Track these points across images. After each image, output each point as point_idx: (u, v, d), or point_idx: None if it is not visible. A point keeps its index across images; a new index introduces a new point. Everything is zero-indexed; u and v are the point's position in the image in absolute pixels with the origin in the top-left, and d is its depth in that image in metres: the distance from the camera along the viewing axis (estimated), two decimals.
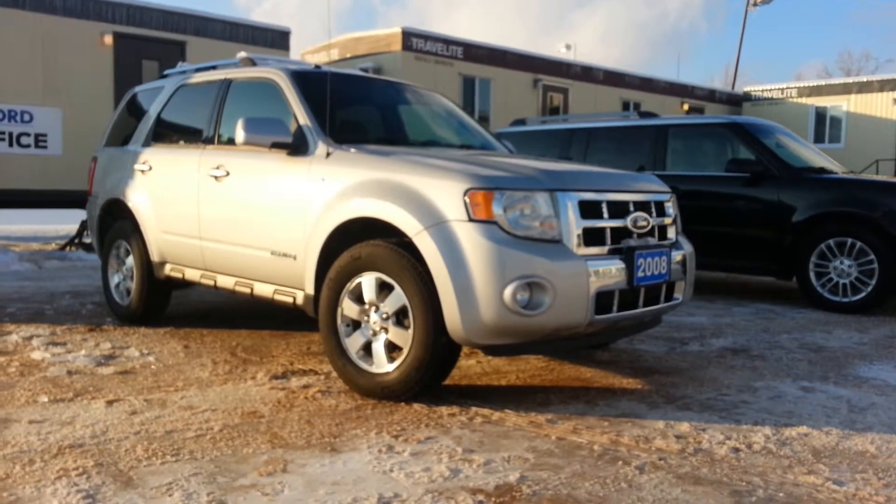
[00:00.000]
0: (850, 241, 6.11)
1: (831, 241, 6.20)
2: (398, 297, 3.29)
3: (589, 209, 3.35)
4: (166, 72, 5.66)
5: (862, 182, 6.50)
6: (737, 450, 2.87)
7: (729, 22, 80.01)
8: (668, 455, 2.80)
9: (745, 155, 6.86)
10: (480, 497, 2.38)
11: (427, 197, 3.25)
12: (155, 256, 4.88)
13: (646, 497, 2.41)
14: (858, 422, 3.26)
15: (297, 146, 3.91)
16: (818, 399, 3.62)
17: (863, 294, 6.06)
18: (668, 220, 3.80)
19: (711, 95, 21.94)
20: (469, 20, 70.75)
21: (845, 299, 6.15)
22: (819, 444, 2.96)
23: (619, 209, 3.49)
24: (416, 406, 3.31)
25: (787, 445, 2.94)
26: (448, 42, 15.42)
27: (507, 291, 3.03)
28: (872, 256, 6.00)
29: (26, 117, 9.97)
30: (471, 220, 3.12)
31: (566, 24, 76.84)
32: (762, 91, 22.35)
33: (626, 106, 18.52)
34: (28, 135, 10.00)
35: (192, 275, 4.64)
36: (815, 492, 2.49)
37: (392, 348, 3.36)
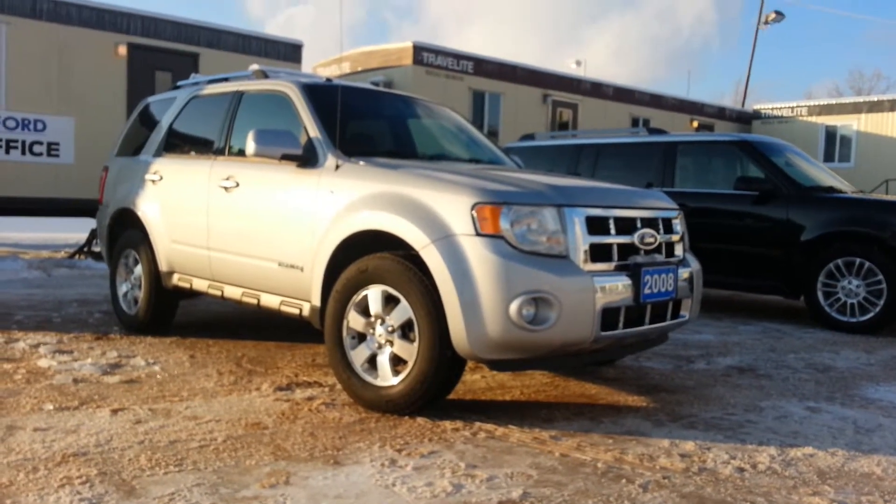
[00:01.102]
0: (858, 260, 6.08)
1: (840, 261, 6.17)
2: (404, 311, 3.29)
3: (596, 225, 3.35)
4: (179, 83, 5.71)
5: (871, 202, 6.48)
6: (741, 469, 2.85)
7: (741, 40, 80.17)
8: (673, 474, 2.78)
9: (755, 173, 6.85)
10: None
11: (435, 210, 3.26)
12: (163, 266, 4.91)
13: None
14: (864, 443, 3.24)
15: (307, 158, 3.93)
16: (824, 420, 3.59)
17: (871, 314, 6.03)
18: (675, 238, 3.80)
19: (721, 113, 21.93)
20: (481, 35, 71.12)
21: (853, 319, 6.11)
22: (824, 465, 2.94)
23: (626, 225, 3.49)
24: (420, 420, 3.30)
25: (792, 466, 2.91)
26: (459, 57, 15.50)
27: (513, 306, 3.03)
28: (881, 276, 5.97)
29: (39, 126, 10.07)
30: (478, 234, 3.12)
31: (578, 39, 77.20)
32: (772, 109, 22.33)
33: (635, 122, 18.54)
34: (41, 143, 10.09)
35: (199, 285, 4.66)
36: None
37: (397, 361, 3.37)
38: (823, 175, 7.30)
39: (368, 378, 3.44)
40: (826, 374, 4.58)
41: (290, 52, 12.48)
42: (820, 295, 6.27)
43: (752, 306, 7.77)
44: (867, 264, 6.04)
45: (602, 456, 2.95)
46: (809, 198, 6.51)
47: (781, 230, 6.48)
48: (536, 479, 2.67)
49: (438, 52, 15.16)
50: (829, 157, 20.48)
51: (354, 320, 3.47)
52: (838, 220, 6.25)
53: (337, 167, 3.79)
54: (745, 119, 22.40)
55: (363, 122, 4.73)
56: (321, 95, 4.24)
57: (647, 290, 3.41)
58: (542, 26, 78.68)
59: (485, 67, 15.91)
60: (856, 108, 20.83)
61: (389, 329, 3.36)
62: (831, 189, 6.80)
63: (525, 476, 2.70)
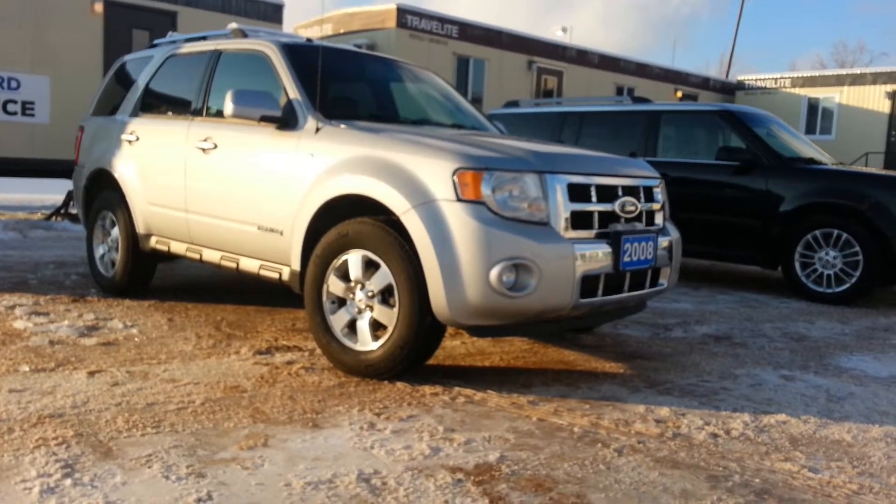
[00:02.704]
0: (836, 232, 6.14)
1: (817, 232, 6.23)
2: (384, 276, 3.28)
3: (577, 192, 3.34)
4: (156, 41, 5.59)
5: (849, 174, 6.52)
6: (715, 435, 2.90)
7: (729, 9, 79.87)
8: (647, 439, 2.82)
9: (736, 143, 6.86)
10: (460, 475, 2.39)
11: (416, 175, 3.23)
12: (140, 228, 4.85)
13: (623, 479, 2.43)
14: (836, 411, 3.30)
15: (287, 120, 3.87)
16: (798, 388, 3.65)
17: (846, 285, 6.11)
18: (656, 206, 3.80)
19: (705, 83, 21.93)
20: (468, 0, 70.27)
21: (829, 290, 6.19)
22: (796, 432, 2.99)
23: (607, 193, 3.49)
24: (400, 385, 3.31)
25: (764, 432, 2.97)
26: (443, 21, 15.30)
27: (494, 272, 3.02)
28: (857, 248, 6.03)
29: (14, 84, 9.83)
30: (459, 199, 3.11)
31: (567, 4, 76.46)
32: (756, 80, 22.36)
33: (619, 91, 18.49)
34: (15, 102, 9.86)
35: (177, 248, 4.62)
36: (790, 478, 2.52)
37: (377, 326, 3.36)
38: (804, 146, 7.33)
39: (348, 343, 3.44)
40: (801, 344, 4.65)
41: (270, 11, 12.24)
42: (797, 266, 6.34)
43: (731, 276, 7.85)
44: (844, 236, 6.10)
45: (578, 421, 2.98)
46: (789, 169, 6.54)
47: (761, 201, 6.52)
48: (513, 443, 2.70)
49: (423, 15, 14.96)
50: (810, 129, 20.61)
51: (334, 285, 3.46)
52: (817, 192, 6.29)
53: (317, 130, 3.74)
54: (729, 89, 22.44)
55: (344, 84, 4.66)
56: (301, 56, 4.16)
57: (626, 258, 3.42)
58: None
59: (470, 32, 15.74)
60: (838, 81, 20.91)
61: (369, 294, 3.35)
62: (811, 160, 6.84)
63: (502, 440, 2.72)
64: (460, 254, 3.05)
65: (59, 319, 4.29)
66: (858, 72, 21.22)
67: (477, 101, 15.16)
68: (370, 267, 3.35)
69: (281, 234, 3.81)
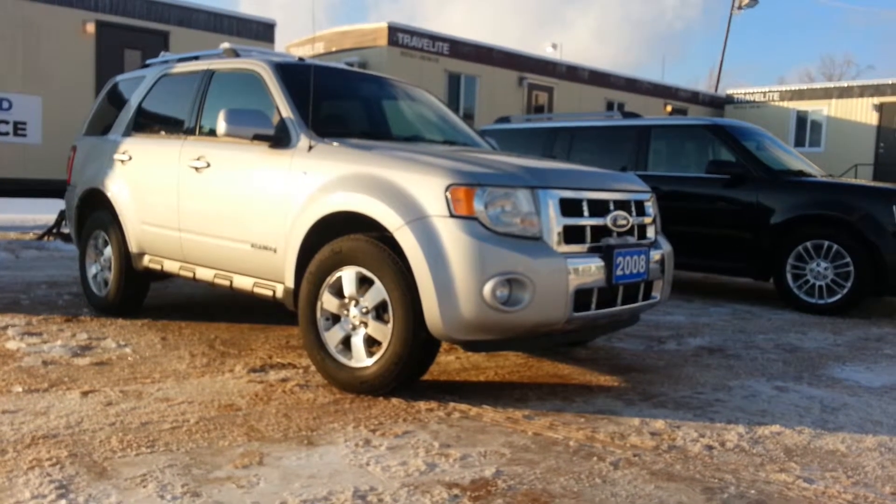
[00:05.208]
0: (826, 243, 6.18)
1: (808, 244, 6.27)
2: (378, 292, 3.29)
3: (570, 207, 3.37)
4: (148, 61, 5.62)
5: (839, 185, 6.58)
6: (710, 447, 2.91)
7: (718, 24, 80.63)
8: (643, 452, 2.83)
9: (726, 157, 6.92)
10: (456, 491, 2.39)
11: (409, 192, 3.25)
12: (133, 247, 4.84)
13: (619, 493, 2.43)
14: (830, 422, 3.31)
15: (280, 139, 3.89)
16: (791, 399, 3.66)
17: (838, 296, 6.14)
18: (647, 220, 3.83)
19: (695, 97, 22.10)
20: (462, 15, 70.79)
21: (821, 301, 6.22)
22: (791, 443, 3.00)
23: (599, 208, 3.51)
24: (395, 401, 3.31)
25: (759, 444, 2.97)
26: (434, 38, 15.41)
27: (487, 288, 3.04)
28: (848, 259, 6.07)
29: (5, 105, 9.84)
30: (452, 215, 3.12)
31: (561, 20, 77.01)
32: (744, 94, 22.56)
33: (610, 106, 18.63)
34: (7, 122, 9.87)
35: (170, 266, 4.61)
36: (785, 489, 2.53)
37: (371, 343, 3.36)
38: (793, 159, 7.39)
39: (343, 359, 3.44)
40: (794, 355, 4.67)
41: (262, 31, 12.32)
42: (789, 277, 6.37)
43: (723, 288, 7.88)
44: (835, 247, 6.14)
45: (574, 434, 2.99)
46: (779, 181, 6.59)
47: (751, 213, 6.56)
48: (509, 458, 2.70)
49: (413, 32, 15.06)
50: (799, 142, 20.78)
51: (328, 302, 3.46)
52: (807, 204, 6.34)
53: (310, 148, 3.75)
54: (719, 103, 22.61)
55: (337, 102, 4.69)
56: (293, 75, 4.19)
57: (619, 272, 3.44)
58: (524, 6, 78.40)
59: (461, 49, 15.85)
60: (826, 94, 21.11)
61: (363, 310, 3.36)
62: (801, 173, 6.90)
63: (498, 455, 2.72)
64: (454, 269, 3.06)
65: (52, 339, 4.27)
66: (846, 85, 21.44)
67: (468, 118, 15.23)
68: (364, 283, 3.36)
69: (274, 251, 3.81)
